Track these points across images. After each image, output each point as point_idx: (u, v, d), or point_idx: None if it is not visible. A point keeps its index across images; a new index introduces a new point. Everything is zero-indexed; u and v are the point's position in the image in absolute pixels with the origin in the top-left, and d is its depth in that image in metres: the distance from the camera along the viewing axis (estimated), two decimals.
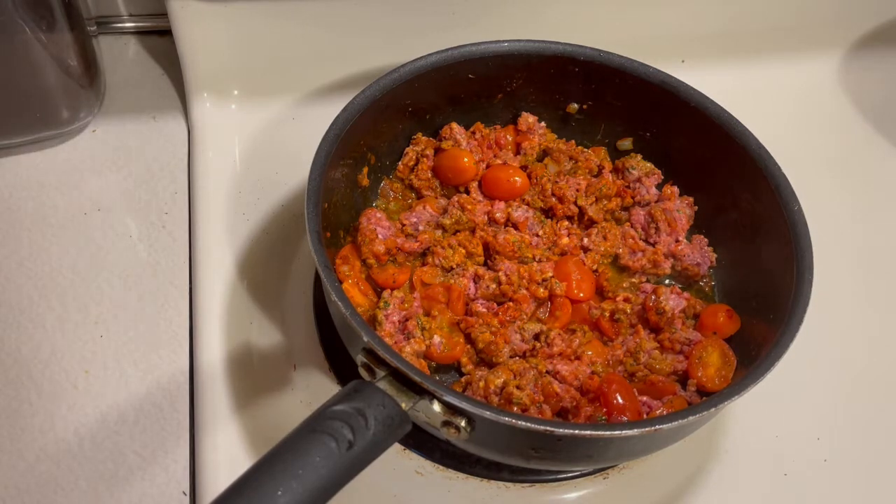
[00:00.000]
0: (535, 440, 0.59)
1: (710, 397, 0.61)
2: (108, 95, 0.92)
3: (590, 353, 0.72)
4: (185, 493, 0.69)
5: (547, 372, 0.69)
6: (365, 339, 0.58)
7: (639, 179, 0.81)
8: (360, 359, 0.60)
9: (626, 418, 0.65)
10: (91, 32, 0.88)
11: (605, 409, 0.66)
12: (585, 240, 0.79)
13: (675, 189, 0.82)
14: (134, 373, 0.74)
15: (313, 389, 0.74)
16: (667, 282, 0.79)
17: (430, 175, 0.81)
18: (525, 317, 0.74)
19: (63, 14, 0.79)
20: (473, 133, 0.83)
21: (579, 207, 0.80)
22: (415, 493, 0.70)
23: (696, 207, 0.81)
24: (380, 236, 0.75)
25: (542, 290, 0.74)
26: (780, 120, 0.95)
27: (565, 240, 0.78)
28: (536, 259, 0.76)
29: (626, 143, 0.85)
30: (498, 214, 0.78)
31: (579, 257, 0.78)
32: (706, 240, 0.80)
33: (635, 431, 0.57)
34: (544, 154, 0.84)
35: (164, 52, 0.97)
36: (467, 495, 0.71)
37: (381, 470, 0.66)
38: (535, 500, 0.71)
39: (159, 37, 0.99)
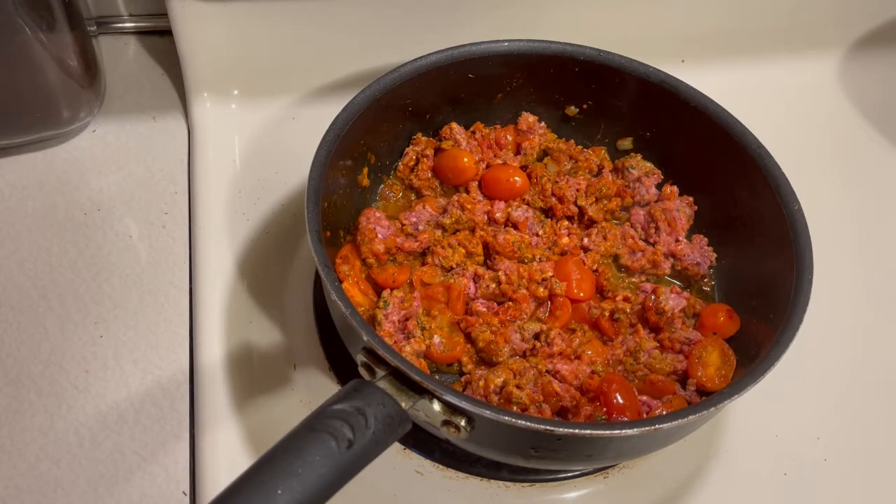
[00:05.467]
0: (534, 439, 0.59)
1: (709, 397, 0.61)
2: (108, 95, 0.92)
3: (590, 352, 0.71)
4: (185, 493, 0.69)
5: (547, 371, 0.69)
6: (365, 338, 0.58)
7: (639, 179, 0.81)
8: (360, 358, 0.60)
9: (625, 418, 0.65)
10: (91, 32, 0.88)
11: (604, 409, 0.66)
12: (585, 240, 0.79)
13: (675, 189, 0.82)
14: (134, 373, 0.74)
15: (313, 389, 0.74)
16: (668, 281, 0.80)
17: (430, 175, 0.81)
18: (525, 316, 0.74)
19: (63, 14, 0.79)
20: (473, 133, 0.83)
21: (579, 207, 0.80)
22: (415, 492, 0.70)
23: (696, 207, 0.81)
24: (379, 236, 0.75)
25: (542, 289, 0.74)
26: (780, 120, 0.95)
27: (565, 240, 0.78)
28: (536, 259, 0.76)
29: (626, 143, 0.85)
30: (498, 214, 0.78)
31: (579, 257, 0.78)
32: (706, 240, 0.80)
33: (635, 431, 0.57)
34: (544, 154, 0.84)
35: (164, 52, 0.97)
36: (467, 495, 0.71)
37: (381, 470, 0.66)
38: (535, 500, 0.71)
39: (159, 37, 0.99)
